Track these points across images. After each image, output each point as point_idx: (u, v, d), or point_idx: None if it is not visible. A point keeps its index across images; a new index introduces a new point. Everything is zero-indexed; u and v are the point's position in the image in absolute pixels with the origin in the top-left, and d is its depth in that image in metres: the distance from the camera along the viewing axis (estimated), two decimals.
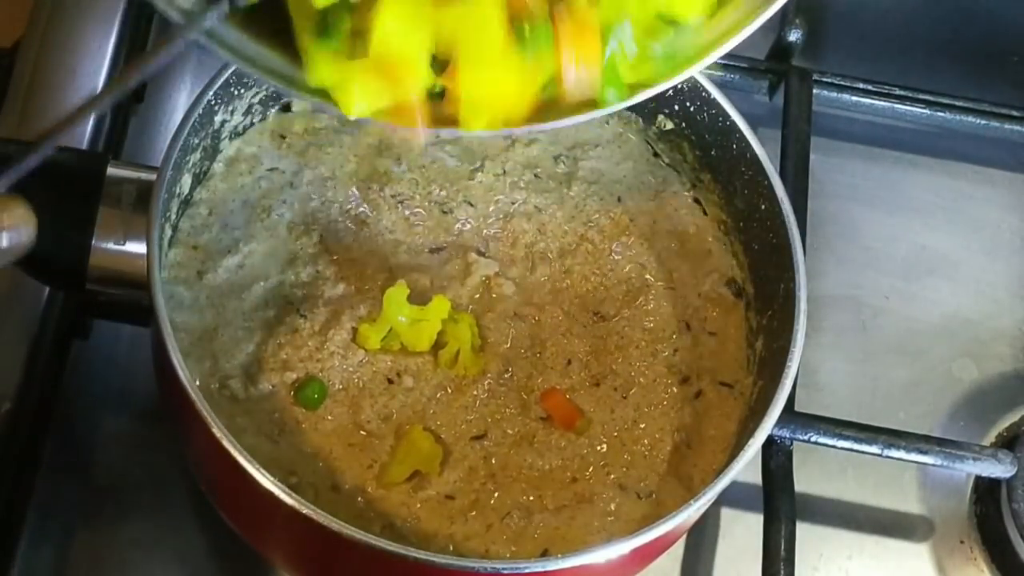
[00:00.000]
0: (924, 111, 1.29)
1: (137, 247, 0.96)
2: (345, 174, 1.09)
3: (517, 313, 1.06)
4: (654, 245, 1.09)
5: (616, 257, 1.09)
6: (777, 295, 1.01)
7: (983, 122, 1.29)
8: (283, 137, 1.07)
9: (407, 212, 1.09)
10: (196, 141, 1.00)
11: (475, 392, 1.03)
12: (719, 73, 1.27)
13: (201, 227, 1.04)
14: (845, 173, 1.31)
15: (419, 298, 1.03)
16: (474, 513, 0.99)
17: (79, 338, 1.12)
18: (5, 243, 0.76)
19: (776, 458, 1.09)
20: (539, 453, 1.01)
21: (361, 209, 1.08)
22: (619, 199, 1.10)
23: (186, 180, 1.02)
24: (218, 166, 1.05)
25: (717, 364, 1.05)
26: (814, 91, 1.26)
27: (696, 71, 0.84)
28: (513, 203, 1.10)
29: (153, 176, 0.97)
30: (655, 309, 1.07)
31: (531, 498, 0.99)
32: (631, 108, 1.05)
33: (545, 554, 0.96)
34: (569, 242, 1.10)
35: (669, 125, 1.10)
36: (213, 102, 1.01)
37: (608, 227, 1.10)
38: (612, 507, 0.99)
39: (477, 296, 1.06)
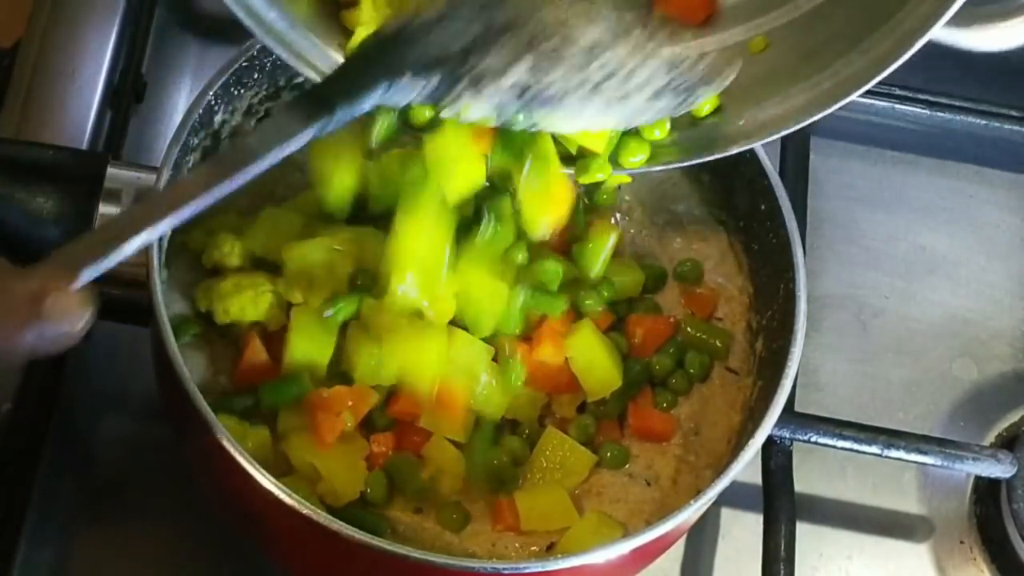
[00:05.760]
0: (924, 111, 1.29)
1: None
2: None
3: None
4: (653, 233, 1.09)
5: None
6: (777, 295, 1.01)
7: (983, 122, 1.29)
8: None
9: None
10: (196, 141, 1.00)
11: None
12: None
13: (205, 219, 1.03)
14: (845, 173, 1.31)
15: None
16: (479, 516, 0.99)
17: None
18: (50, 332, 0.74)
19: (776, 458, 1.09)
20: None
21: None
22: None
23: None
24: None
25: (724, 349, 1.05)
26: None
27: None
28: None
29: (153, 176, 0.97)
30: (660, 295, 1.07)
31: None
32: None
33: (551, 548, 0.96)
34: None
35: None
36: (213, 102, 1.01)
37: (608, 211, 1.09)
38: (620, 496, 1.00)
39: None
